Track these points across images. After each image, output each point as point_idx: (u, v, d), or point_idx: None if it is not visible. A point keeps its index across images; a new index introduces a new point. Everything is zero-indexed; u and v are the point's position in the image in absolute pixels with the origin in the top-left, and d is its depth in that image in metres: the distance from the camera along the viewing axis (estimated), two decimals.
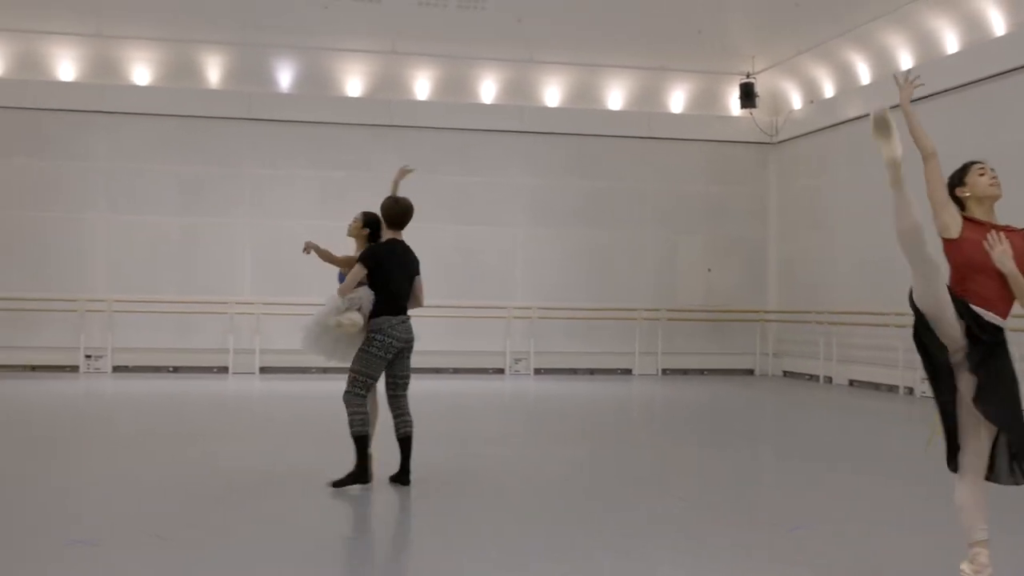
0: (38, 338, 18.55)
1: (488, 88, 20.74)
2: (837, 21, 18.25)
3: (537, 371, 20.31)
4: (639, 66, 21.13)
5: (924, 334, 5.00)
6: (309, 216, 18.79)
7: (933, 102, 16.18)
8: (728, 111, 21.73)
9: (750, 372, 21.37)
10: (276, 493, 7.74)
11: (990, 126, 14.93)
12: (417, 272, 8.10)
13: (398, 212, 7.99)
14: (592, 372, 20.58)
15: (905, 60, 17.26)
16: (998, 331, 4.91)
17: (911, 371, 16.16)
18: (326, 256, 8.62)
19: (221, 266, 19.46)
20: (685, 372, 21.01)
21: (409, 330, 7.95)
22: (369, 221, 8.30)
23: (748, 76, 21.07)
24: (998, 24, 15.39)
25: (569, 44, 20.34)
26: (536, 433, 12.16)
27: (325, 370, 17.14)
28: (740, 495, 8.36)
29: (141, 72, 19.47)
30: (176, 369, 18.94)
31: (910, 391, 16.64)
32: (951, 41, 16.31)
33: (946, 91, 15.94)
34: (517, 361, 20.33)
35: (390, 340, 7.79)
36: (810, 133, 20.45)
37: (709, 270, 21.49)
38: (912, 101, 5.18)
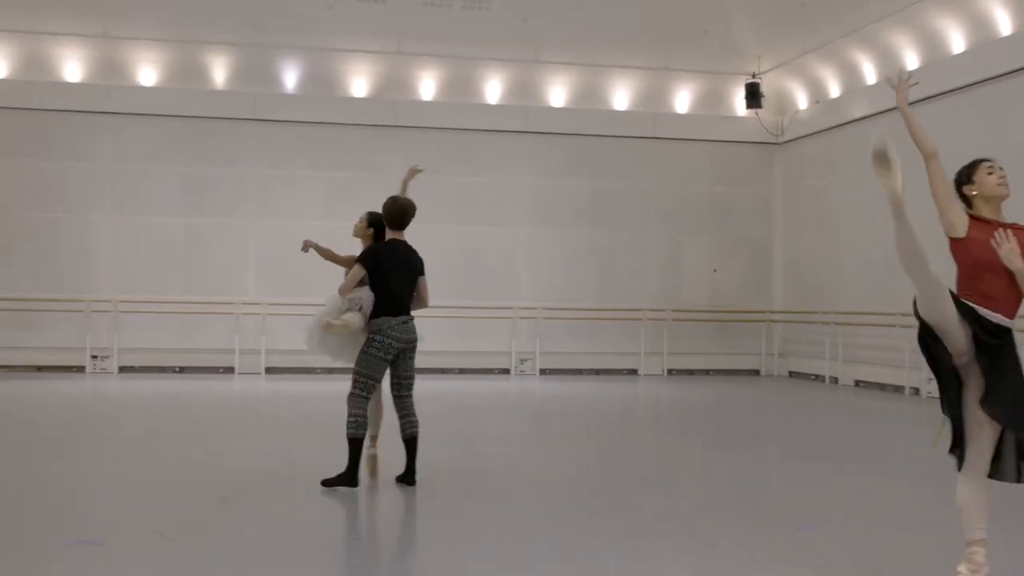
0: (44, 338, 18.58)
1: (493, 88, 20.74)
2: (843, 21, 18.23)
3: (542, 371, 20.30)
4: (644, 66, 21.11)
5: (931, 343, 4.98)
6: (314, 216, 18.79)
7: (938, 102, 16.18)
8: (733, 111, 21.70)
9: (756, 372, 21.34)
10: (281, 493, 7.73)
11: (996, 126, 14.89)
12: (421, 273, 8.06)
13: (397, 211, 7.96)
14: (597, 372, 20.57)
15: (911, 60, 17.24)
16: (1005, 332, 4.88)
17: (917, 371, 16.13)
18: (328, 255, 8.61)
19: (227, 266, 19.48)
20: (691, 372, 20.99)
21: (410, 331, 7.88)
22: (374, 221, 8.29)
23: (754, 76, 21.04)
24: (1004, 24, 15.35)
25: (574, 44, 20.33)
26: (541, 433, 12.16)
27: (331, 370, 17.14)
28: (745, 496, 8.35)
29: (147, 73, 19.50)
30: (182, 369, 18.96)
31: (916, 391, 16.61)
32: (957, 41, 16.28)
33: (952, 91, 15.94)
34: (522, 361, 20.33)
35: (389, 341, 7.76)
36: (816, 133, 20.42)
37: (715, 270, 21.47)
38: (918, 101, 5.16)
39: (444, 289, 17.07)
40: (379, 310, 7.81)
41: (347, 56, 20.05)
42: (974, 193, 5.09)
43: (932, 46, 16.78)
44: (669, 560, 5.98)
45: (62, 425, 12.14)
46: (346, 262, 8.41)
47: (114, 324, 18.82)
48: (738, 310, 21.28)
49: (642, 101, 21.35)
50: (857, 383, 18.50)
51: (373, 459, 8.19)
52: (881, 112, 17.71)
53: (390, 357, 7.82)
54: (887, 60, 17.86)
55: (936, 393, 5.18)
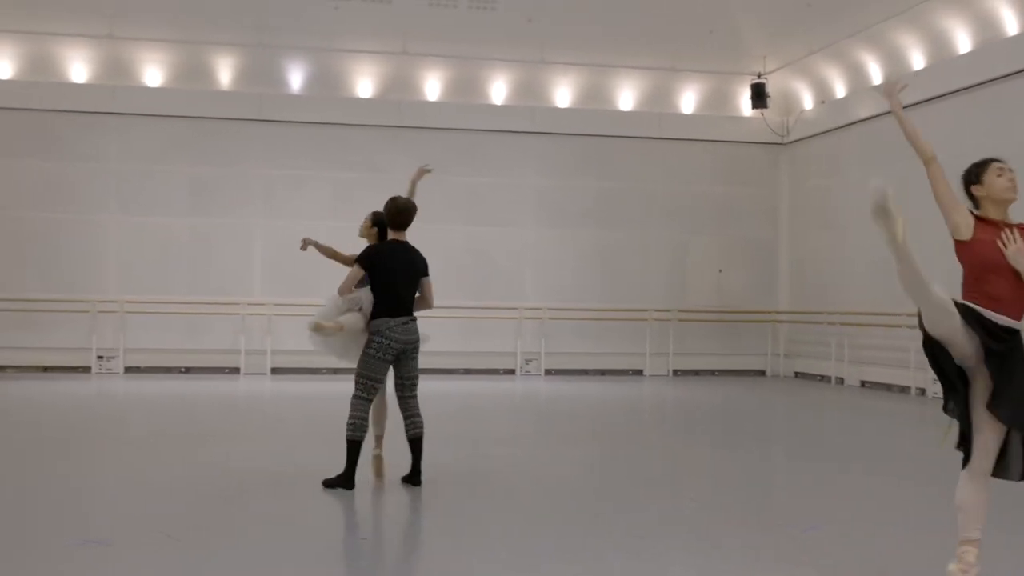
0: (50, 339, 18.60)
1: (499, 89, 20.74)
2: (848, 21, 18.20)
3: (548, 372, 20.30)
4: (650, 66, 21.11)
5: (937, 352, 4.97)
6: (320, 217, 18.78)
7: (944, 102, 16.16)
8: (739, 111, 21.69)
9: (762, 373, 21.32)
10: (286, 494, 7.74)
11: (1001, 126, 14.85)
12: (425, 274, 8.03)
13: (395, 211, 7.94)
14: (603, 373, 20.56)
15: (916, 59, 17.22)
16: (1014, 334, 4.85)
17: (923, 372, 16.10)
18: (329, 253, 8.59)
19: (232, 267, 19.49)
20: (696, 373, 20.97)
21: (410, 331, 7.84)
22: (378, 221, 8.30)
23: (759, 76, 21.03)
24: (1011, 24, 15.32)
25: (580, 45, 20.33)
26: (547, 434, 12.15)
27: (336, 371, 17.16)
28: (751, 496, 8.35)
29: (152, 73, 19.52)
30: (188, 370, 18.98)
31: (922, 392, 16.58)
32: (963, 41, 16.25)
33: (957, 91, 15.92)
34: (528, 362, 20.32)
35: (388, 342, 7.74)
36: (821, 133, 20.39)
37: (720, 271, 21.45)
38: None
39: (450, 289, 17.08)
40: (378, 311, 7.80)
41: (353, 56, 20.06)
42: (982, 194, 5.05)
43: (938, 46, 16.75)
44: (675, 560, 5.98)
45: (68, 425, 12.15)
46: (349, 260, 8.40)
47: (120, 325, 18.85)
48: (744, 310, 21.26)
49: (648, 101, 21.34)
50: (863, 383, 18.47)
51: (378, 459, 8.19)
52: (887, 112, 17.60)
53: (390, 358, 7.80)
54: (893, 60, 17.84)
55: (942, 394, 5.17)
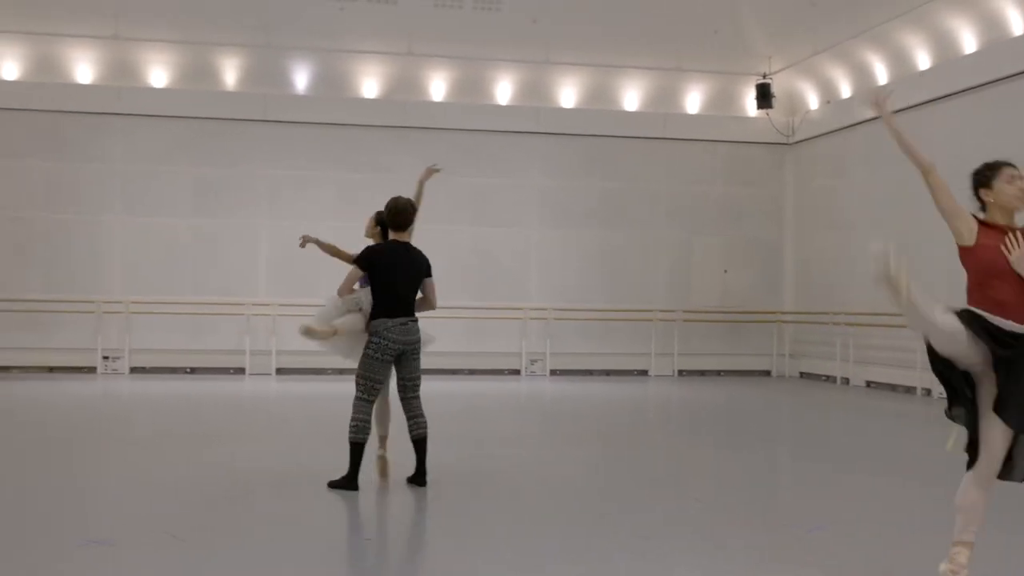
0: (55, 339, 18.63)
1: (504, 89, 20.74)
2: (854, 21, 18.18)
3: (553, 372, 20.29)
4: (655, 67, 21.09)
5: (944, 369, 4.96)
6: (325, 218, 18.76)
7: (950, 102, 16.14)
8: (744, 112, 21.66)
9: (767, 373, 21.30)
10: (291, 494, 7.74)
11: (1007, 126, 14.81)
12: (427, 274, 8.01)
13: (394, 211, 7.94)
14: (608, 373, 20.55)
15: (922, 60, 17.19)
16: (1020, 339, 4.79)
17: (928, 372, 15.90)
18: (332, 250, 8.53)
19: (237, 267, 19.51)
20: (701, 373, 20.96)
21: (409, 332, 7.80)
22: (382, 220, 8.29)
23: (764, 76, 21.01)
24: (1016, 24, 15.29)
25: (585, 45, 20.32)
26: (552, 434, 12.14)
27: (341, 371, 17.14)
28: (756, 496, 8.34)
29: (158, 74, 19.55)
30: (193, 370, 19.00)
31: (928, 392, 16.55)
32: (968, 41, 16.22)
33: (963, 91, 15.89)
34: (533, 362, 20.32)
35: (386, 342, 7.73)
36: (827, 133, 20.37)
37: (725, 271, 21.43)
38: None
39: (455, 290, 17.10)
40: (376, 311, 7.79)
41: (358, 57, 20.07)
42: (990, 199, 4.99)
43: (943, 46, 16.72)
44: (680, 561, 5.97)
45: (73, 426, 12.17)
46: (351, 258, 8.38)
47: (125, 325, 18.87)
48: (749, 311, 21.24)
49: (653, 102, 21.33)
50: (868, 384, 18.44)
51: (382, 460, 8.19)
52: (892, 112, 17.66)
53: (389, 358, 7.79)
54: (898, 60, 17.81)
55: (946, 398, 5.15)
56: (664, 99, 21.37)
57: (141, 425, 12.52)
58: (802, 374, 20.87)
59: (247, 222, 19.59)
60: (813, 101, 21.00)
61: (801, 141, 21.36)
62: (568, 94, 20.96)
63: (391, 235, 8.01)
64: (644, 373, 20.74)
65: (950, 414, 5.08)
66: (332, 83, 20.12)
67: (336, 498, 7.62)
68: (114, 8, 18.89)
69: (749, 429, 13.16)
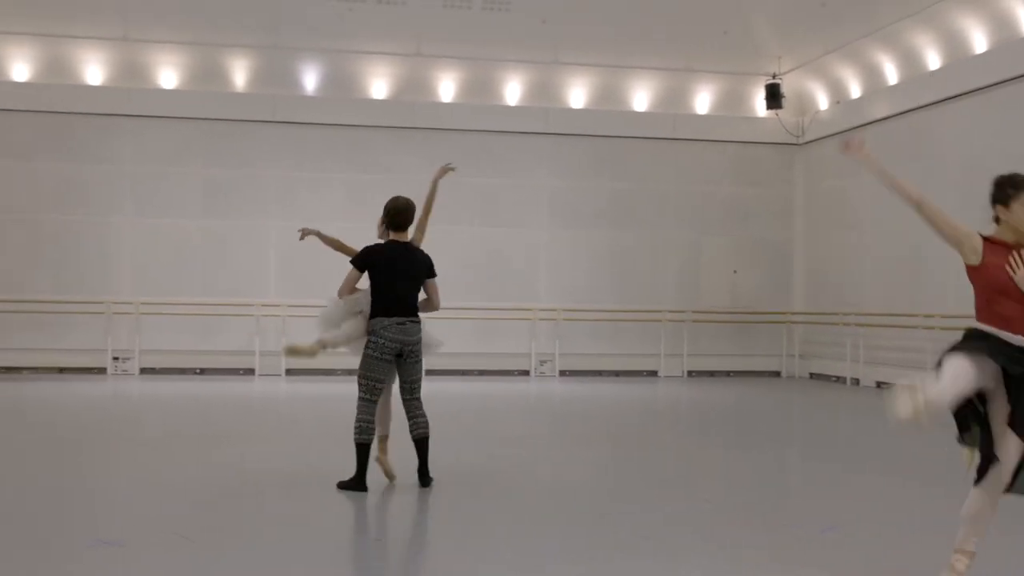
0: (65, 340, 18.68)
1: (513, 90, 20.73)
2: (864, 21, 18.14)
3: (562, 373, 20.28)
4: (664, 67, 21.07)
5: (956, 411, 4.97)
6: (334, 218, 18.69)
7: (960, 102, 16.09)
8: (754, 112, 21.63)
9: (776, 374, 21.27)
10: (301, 495, 7.75)
11: (1018, 126, 14.76)
12: (428, 275, 8.01)
13: (393, 211, 7.95)
14: (617, 374, 20.53)
15: (932, 59, 17.14)
16: None
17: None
18: (336, 245, 8.49)
19: (246, 268, 19.54)
20: (711, 374, 20.93)
21: (407, 332, 7.80)
22: None
23: (774, 77, 20.97)
24: None
25: (594, 45, 20.30)
26: (561, 435, 12.14)
27: (351, 372, 17.11)
28: (765, 497, 8.32)
29: (167, 76, 19.58)
30: (203, 371, 19.03)
31: None
32: (979, 41, 16.17)
33: (974, 91, 15.84)
34: (542, 363, 20.32)
35: (383, 341, 7.73)
36: (837, 134, 20.28)
37: (735, 271, 21.40)
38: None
39: (464, 291, 17.12)
40: (374, 311, 7.82)
41: (366, 58, 20.08)
42: (1004, 217, 4.97)
43: (953, 46, 16.67)
44: (688, 561, 5.95)
45: (83, 426, 12.20)
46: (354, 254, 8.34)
47: (135, 326, 18.91)
48: (758, 311, 21.21)
49: (662, 102, 21.31)
50: (878, 384, 18.39)
51: (382, 462, 8.15)
52: (902, 112, 17.65)
53: (388, 357, 7.79)
54: (908, 61, 17.77)
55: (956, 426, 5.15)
56: (673, 99, 21.35)
57: (151, 426, 12.54)
58: (812, 375, 20.83)
59: (256, 223, 19.61)
60: (823, 101, 20.96)
61: (811, 141, 21.32)
62: (577, 95, 20.95)
63: (391, 235, 8.02)
64: (654, 374, 20.72)
65: (961, 440, 5.08)
66: (341, 84, 20.14)
67: (345, 499, 7.63)
68: (123, 10, 18.93)
69: (759, 430, 13.13)
